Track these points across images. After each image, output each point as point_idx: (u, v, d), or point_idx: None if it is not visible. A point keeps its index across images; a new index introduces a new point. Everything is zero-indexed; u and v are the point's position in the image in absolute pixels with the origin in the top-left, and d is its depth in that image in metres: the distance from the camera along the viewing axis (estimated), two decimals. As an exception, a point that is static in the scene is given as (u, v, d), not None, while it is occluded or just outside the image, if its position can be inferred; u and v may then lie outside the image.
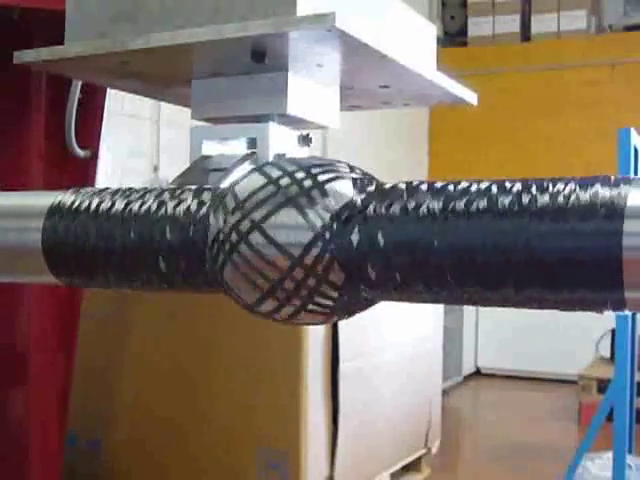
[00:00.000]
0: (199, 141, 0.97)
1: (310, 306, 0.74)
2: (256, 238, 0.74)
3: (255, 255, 0.73)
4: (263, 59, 0.89)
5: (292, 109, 0.94)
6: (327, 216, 0.72)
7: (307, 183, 0.74)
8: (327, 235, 0.72)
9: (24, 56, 0.97)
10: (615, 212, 0.62)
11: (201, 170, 0.95)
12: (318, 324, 0.81)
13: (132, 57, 0.91)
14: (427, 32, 1.04)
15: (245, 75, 0.96)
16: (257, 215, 0.74)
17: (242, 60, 0.90)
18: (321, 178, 0.75)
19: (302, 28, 0.80)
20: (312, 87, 0.98)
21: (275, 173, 0.76)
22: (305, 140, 1.00)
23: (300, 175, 0.75)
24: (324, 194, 0.73)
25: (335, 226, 0.72)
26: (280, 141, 0.94)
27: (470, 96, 1.08)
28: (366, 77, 0.98)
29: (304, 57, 0.89)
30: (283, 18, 0.81)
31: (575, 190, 0.65)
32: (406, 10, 1.00)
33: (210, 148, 0.97)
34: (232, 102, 0.97)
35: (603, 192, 0.64)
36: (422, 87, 1.01)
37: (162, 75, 1.01)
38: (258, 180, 0.76)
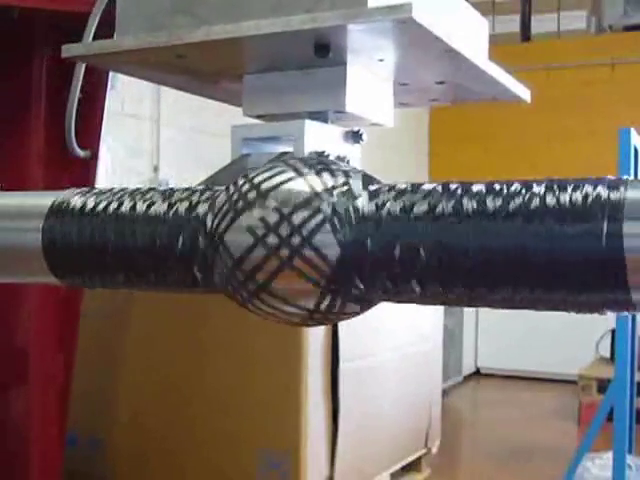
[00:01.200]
0: (238, 139, 0.95)
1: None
2: (267, 298, 0.75)
3: (271, 309, 0.75)
4: (327, 53, 0.86)
5: (350, 106, 0.91)
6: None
7: (296, 240, 0.74)
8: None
9: (73, 50, 0.94)
10: (615, 213, 0.62)
11: (236, 169, 0.92)
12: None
13: (189, 50, 0.89)
14: (482, 27, 1.01)
15: (300, 70, 0.93)
16: (260, 279, 0.74)
17: (301, 54, 0.87)
18: (305, 231, 0.74)
19: (375, 20, 0.76)
20: (370, 83, 0.95)
21: (260, 230, 0.75)
22: (355, 137, 0.97)
23: (285, 231, 0.74)
24: (315, 248, 0.73)
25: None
26: (319, 138, 0.91)
27: (524, 92, 1.05)
28: (425, 72, 0.95)
29: (366, 51, 0.87)
30: (354, 9, 0.78)
31: (577, 191, 0.65)
32: (463, 4, 0.97)
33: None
34: (286, 98, 0.94)
35: (604, 193, 0.64)
36: (478, 83, 0.98)
37: (215, 70, 0.98)
38: (246, 240, 0.76)
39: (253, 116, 0.99)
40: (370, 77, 0.95)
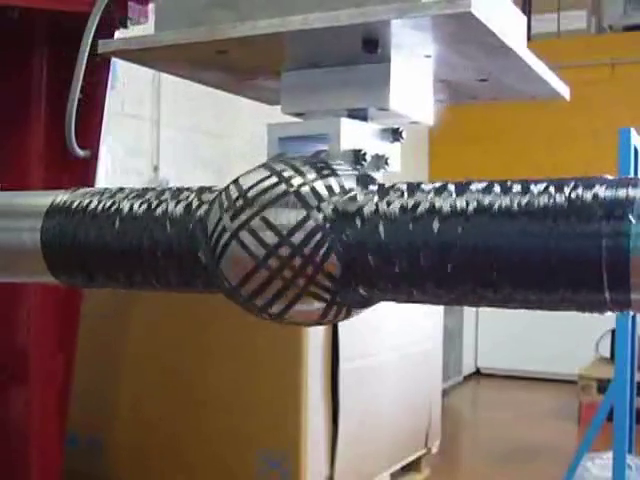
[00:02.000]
0: (275, 138, 0.93)
1: (306, 296, 0.74)
2: (257, 223, 0.74)
3: (254, 239, 0.74)
4: (375, 48, 0.83)
5: (394, 103, 0.89)
6: (329, 208, 0.73)
7: (311, 176, 0.75)
8: (327, 227, 0.72)
9: (110, 45, 0.92)
10: (622, 213, 0.62)
11: None
12: (314, 324, 0.80)
13: (231, 46, 0.87)
14: (521, 23, 0.98)
15: (341, 66, 0.90)
16: (257, 204, 0.74)
17: (345, 50, 0.86)
18: (325, 172, 0.75)
19: (431, 14, 0.74)
20: (411, 79, 0.93)
21: (279, 166, 0.76)
22: (395, 135, 0.95)
23: (305, 168, 0.75)
24: (328, 188, 0.74)
25: (336, 221, 0.72)
26: (356, 137, 0.89)
27: (564, 90, 1.03)
28: (470, 69, 0.93)
29: (414, 47, 0.85)
30: (409, 4, 0.76)
31: (580, 191, 0.65)
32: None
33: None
34: (326, 95, 0.92)
35: (608, 193, 0.64)
36: (522, 81, 0.96)
37: (253, 66, 0.96)
38: (262, 173, 0.76)
39: (291, 114, 0.97)
40: (412, 73, 0.92)
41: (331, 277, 0.72)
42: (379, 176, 0.93)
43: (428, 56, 0.88)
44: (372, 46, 0.83)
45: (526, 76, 0.94)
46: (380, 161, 0.92)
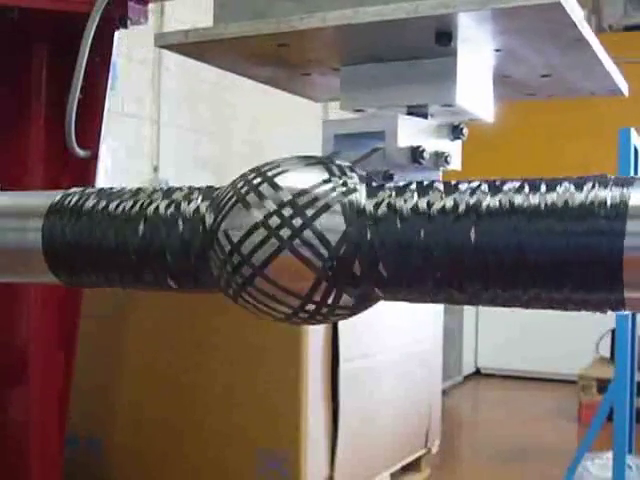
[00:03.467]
0: (330, 135, 0.90)
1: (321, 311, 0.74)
2: (260, 282, 0.73)
3: (263, 295, 0.74)
4: (449, 41, 0.81)
5: (460, 99, 0.86)
6: (325, 252, 0.71)
7: (297, 222, 0.72)
8: (329, 272, 0.71)
9: (168, 38, 0.90)
10: (617, 213, 0.62)
11: None
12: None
13: (294, 39, 0.85)
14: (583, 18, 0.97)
15: (404, 61, 0.88)
16: (256, 262, 0.73)
17: (411, 43, 0.83)
18: (309, 212, 0.73)
19: (519, 4, 0.71)
20: (475, 75, 0.90)
21: (262, 210, 0.74)
22: (455, 132, 0.92)
23: (288, 212, 0.73)
24: (316, 228, 0.72)
25: (337, 258, 0.71)
26: (415, 133, 0.87)
27: (624, 86, 1.00)
28: (537, 64, 0.90)
29: (486, 40, 0.82)
30: None
31: (577, 190, 0.65)
32: None
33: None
34: (388, 91, 0.89)
35: (605, 192, 0.64)
36: (587, 76, 0.94)
37: (312, 60, 0.94)
38: (246, 220, 0.74)
39: (352, 110, 0.94)
40: (475, 68, 0.90)
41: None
42: (439, 174, 0.91)
43: (498, 50, 0.85)
44: (446, 39, 0.81)
45: (592, 71, 0.92)
46: (440, 159, 0.89)
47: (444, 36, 0.80)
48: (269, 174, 0.74)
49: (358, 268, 0.71)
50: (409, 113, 0.88)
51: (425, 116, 0.89)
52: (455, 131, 0.93)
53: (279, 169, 0.75)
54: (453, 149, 0.92)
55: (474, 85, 0.90)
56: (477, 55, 0.87)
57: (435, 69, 0.86)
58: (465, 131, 0.93)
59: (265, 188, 0.73)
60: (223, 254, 0.74)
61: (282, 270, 0.72)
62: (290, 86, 1.07)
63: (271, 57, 0.93)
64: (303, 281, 0.72)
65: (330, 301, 0.73)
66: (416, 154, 0.86)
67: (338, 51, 0.90)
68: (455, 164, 0.92)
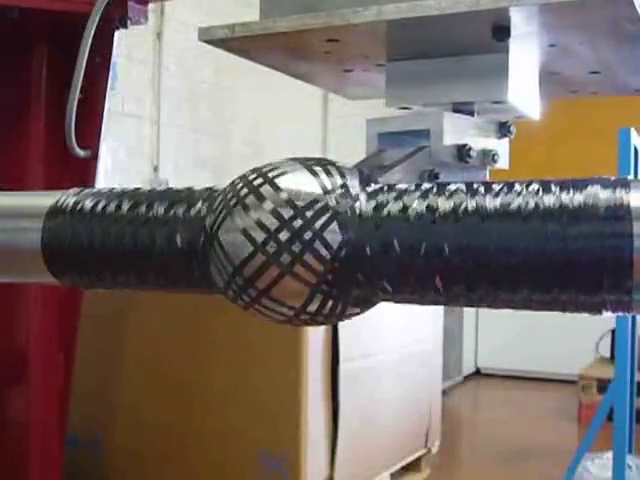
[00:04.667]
0: (374, 134, 0.88)
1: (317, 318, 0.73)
2: (266, 302, 0.72)
3: (268, 311, 0.73)
4: (507, 36, 0.78)
5: (511, 96, 0.84)
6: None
7: (296, 247, 0.71)
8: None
9: (213, 32, 0.88)
10: (624, 214, 0.62)
11: (370, 166, 0.85)
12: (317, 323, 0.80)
13: (344, 33, 0.82)
14: None
15: (453, 57, 0.85)
16: (260, 285, 0.72)
17: (462, 38, 0.81)
18: (307, 235, 0.71)
19: None
20: (525, 71, 0.88)
21: (259, 236, 0.72)
22: (503, 129, 0.90)
23: (285, 236, 0.71)
24: (316, 246, 0.70)
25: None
26: (461, 131, 0.85)
27: None
28: (588, 59, 0.88)
29: (541, 34, 0.80)
30: None
31: (580, 191, 0.65)
32: None
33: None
34: (436, 87, 0.87)
35: (609, 194, 0.64)
36: (633, 73, 0.91)
37: (359, 56, 0.91)
38: (245, 246, 0.73)
39: (398, 107, 0.92)
40: (525, 64, 0.88)
41: (331, 267, 0.72)
42: (485, 173, 0.89)
43: (552, 45, 0.82)
44: (504, 33, 0.78)
45: (635, 70, 0.89)
46: (487, 157, 0.88)
47: (502, 31, 0.78)
48: (269, 175, 0.74)
49: (359, 270, 0.71)
50: (454, 110, 0.86)
51: (471, 113, 0.88)
52: (502, 129, 0.90)
53: (279, 170, 0.74)
54: (500, 147, 0.90)
55: (523, 82, 0.88)
56: (528, 50, 0.85)
57: (486, 65, 0.84)
58: (513, 128, 0.90)
59: (265, 189, 0.72)
60: (226, 275, 0.74)
61: (287, 291, 0.72)
62: (327, 83, 1.05)
63: (316, 52, 0.90)
64: (310, 299, 0.72)
65: (338, 312, 0.72)
66: (462, 153, 0.84)
67: (387, 46, 0.87)
68: (502, 163, 0.90)
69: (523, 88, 0.88)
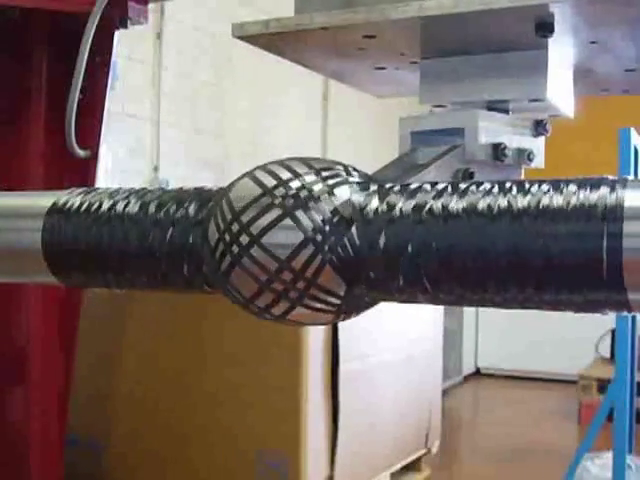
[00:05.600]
0: (407, 132, 0.86)
1: (314, 312, 0.73)
2: (257, 252, 0.71)
3: (258, 268, 0.72)
4: (551, 32, 0.77)
5: (550, 93, 0.82)
6: (326, 227, 0.70)
7: (303, 194, 0.71)
8: (327, 246, 0.70)
9: (247, 28, 0.86)
10: (615, 213, 0.62)
11: (403, 164, 0.84)
12: (321, 324, 0.80)
13: (382, 29, 0.80)
14: None
15: (490, 54, 0.84)
16: (255, 230, 0.72)
17: (501, 34, 0.80)
18: (317, 187, 0.72)
19: None
20: (562, 68, 0.86)
21: (269, 182, 0.73)
22: (539, 127, 0.88)
23: (296, 184, 0.72)
24: (321, 203, 0.71)
25: (334, 235, 0.71)
26: (496, 130, 0.83)
27: None
28: (627, 57, 0.86)
29: (584, 30, 0.78)
30: None
31: (574, 191, 0.65)
32: None
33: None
34: (472, 85, 0.85)
35: (602, 193, 0.64)
36: None
37: (393, 53, 0.90)
38: (252, 190, 0.73)
39: (432, 104, 0.91)
40: (562, 62, 0.86)
41: (335, 294, 0.72)
42: (520, 172, 0.88)
43: (593, 42, 0.81)
44: (547, 30, 0.77)
45: None
46: (522, 156, 0.87)
47: (546, 27, 0.76)
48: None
49: (355, 248, 0.71)
50: (488, 109, 0.85)
51: (505, 111, 0.86)
52: (538, 127, 0.89)
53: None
54: (536, 146, 0.89)
55: (560, 79, 0.87)
56: (568, 47, 0.83)
57: (524, 62, 0.83)
58: (549, 127, 0.89)
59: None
60: (224, 223, 0.73)
61: (280, 241, 0.71)
62: (356, 80, 1.04)
63: (350, 49, 0.88)
64: (299, 252, 0.70)
65: (321, 280, 0.71)
66: (498, 151, 0.83)
67: (422, 43, 0.86)
68: (538, 162, 0.89)
69: (560, 86, 0.87)
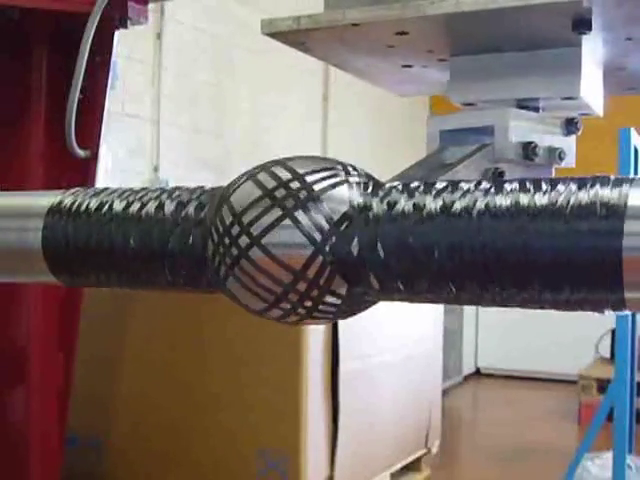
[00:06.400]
0: (435, 131, 0.85)
1: (314, 313, 0.73)
2: (256, 253, 0.71)
3: (257, 270, 0.72)
4: (589, 28, 0.75)
5: (584, 91, 0.81)
6: (326, 227, 0.70)
7: (303, 194, 0.71)
8: (327, 247, 0.70)
9: (277, 25, 0.84)
10: (616, 212, 0.62)
11: (431, 164, 0.83)
12: (320, 324, 0.80)
13: (416, 26, 0.79)
14: None
15: (522, 51, 0.82)
16: (255, 231, 0.71)
17: (534, 31, 0.78)
18: (317, 187, 0.72)
19: None
20: (594, 66, 0.85)
21: (269, 183, 0.73)
22: (570, 125, 0.87)
23: (295, 185, 0.72)
24: (321, 203, 0.70)
25: (335, 235, 0.71)
26: (526, 128, 0.82)
27: None
28: None
29: (620, 27, 0.76)
30: None
31: (575, 190, 0.65)
32: None
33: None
34: (503, 83, 0.84)
35: (603, 192, 0.64)
36: None
37: (422, 50, 0.88)
38: (252, 191, 0.73)
39: (463, 103, 0.89)
40: (594, 59, 0.85)
41: (337, 295, 0.72)
42: (551, 172, 0.87)
43: (629, 39, 0.80)
44: (585, 26, 0.75)
45: None
46: (553, 155, 0.85)
47: (584, 23, 0.75)
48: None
49: (356, 248, 0.70)
50: (518, 107, 0.84)
51: (536, 109, 0.85)
52: (569, 125, 0.87)
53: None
54: (567, 144, 0.88)
55: (592, 77, 0.86)
56: (601, 44, 0.82)
57: (557, 59, 0.81)
58: (580, 125, 0.87)
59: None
60: (223, 226, 0.73)
61: (280, 241, 0.71)
62: (381, 79, 1.02)
63: (380, 46, 0.87)
64: (300, 253, 0.70)
65: (322, 281, 0.71)
66: (528, 150, 0.82)
67: (455, 40, 0.85)
68: (569, 161, 0.87)
69: (592, 83, 0.86)
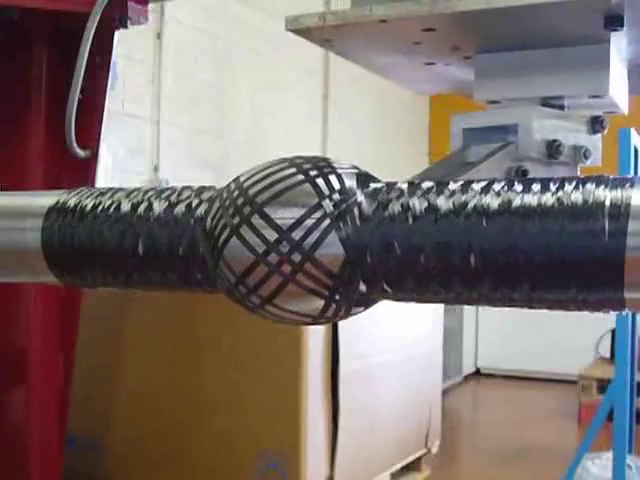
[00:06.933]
0: (459, 129, 0.85)
1: (304, 293, 0.73)
2: (256, 220, 0.70)
3: (255, 236, 0.71)
4: (621, 25, 0.74)
5: (613, 89, 0.80)
6: (330, 205, 0.70)
7: (313, 173, 0.71)
8: (327, 223, 0.70)
9: (302, 21, 0.83)
10: (619, 212, 0.62)
11: (454, 162, 0.83)
12: (312, 322, 0.79)
13: (443, 22, 0.78)
14: None
15: (548, 48, 0.81)
16: (259, 199, 0.71)
17: (562, 28, 0.77)
18: (327, 170, 0.72)
19: None
20: (620, 64, 0.84)
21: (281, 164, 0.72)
22: (595, 124, 0.86)
23: (306, 166, 0.71)
24: (328, 185, 0.70)
25: (337, 217, 0.71)
26: (551, 126, 0.81)
27: None
28: None
29: None
30: None
31: (578, 189, 0.65)
32: None
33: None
34: (530, 80, 0.83)
35: (606, 192, 0.64)
36: None
37: (446, 48, 0.88)
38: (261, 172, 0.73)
39: (487, 101, 0.88)
40: (620, 57, 0.84)
41: (331, 274, 0.72)
42: (576, 171, 0.86)
43: None
44: (617, 23, 0.74)
45: None
46: (578, 153, 0.85)
47: (616, 19, 0.74)
48: (257, 201, 0.72)
49: (364, 285, 0.71)
50: (543, 105, 0.83)
51: (561, 107, 0.84)
52: (595, 124, 0.86)
53: (267, 194, 0.72)
54: (592, 143, 0.86)
55: (619, 75, 0.85)
56: (628, 42, 0.81)
57: (584, 57, 0.80)
58: (606, 123, 0.86)
59: (258, 222, 0.71)
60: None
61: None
62: (403, 77, 1.01)
63: (405, 43, 0.86)
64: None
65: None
66: (552, 148, 0.81)
67: (482, 36, 0.84)
68: (594, 159, 0.86)
69: (619, 81, 0.85)
